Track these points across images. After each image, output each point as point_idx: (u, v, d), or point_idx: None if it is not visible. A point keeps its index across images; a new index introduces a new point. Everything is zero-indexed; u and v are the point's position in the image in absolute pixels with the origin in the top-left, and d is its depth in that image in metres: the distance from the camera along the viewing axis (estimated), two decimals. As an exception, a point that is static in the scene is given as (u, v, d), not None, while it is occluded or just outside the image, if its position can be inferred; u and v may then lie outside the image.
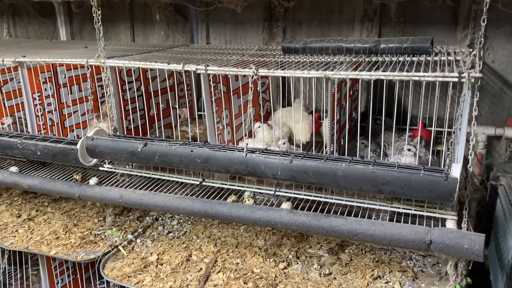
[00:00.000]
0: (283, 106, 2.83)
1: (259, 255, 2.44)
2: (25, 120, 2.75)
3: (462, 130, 1.78)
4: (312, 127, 2.47)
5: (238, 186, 2.35)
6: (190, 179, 2.42)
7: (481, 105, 2.60)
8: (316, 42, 2.38)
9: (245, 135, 2.26)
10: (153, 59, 2.39)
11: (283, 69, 2.08)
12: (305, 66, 2.19)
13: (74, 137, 2.80)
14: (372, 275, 2.22)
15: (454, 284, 1.93)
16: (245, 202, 2.30)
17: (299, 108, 2.49)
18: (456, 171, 1.73)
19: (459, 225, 1.91)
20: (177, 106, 2.74)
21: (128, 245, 2.63)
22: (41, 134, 2.70)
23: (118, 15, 3.67)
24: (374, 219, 2.02)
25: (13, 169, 2.85)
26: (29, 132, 2.70)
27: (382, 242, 1.87)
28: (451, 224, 1.92)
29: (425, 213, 1.99)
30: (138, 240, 2.69)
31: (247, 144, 2.08)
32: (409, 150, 2.13)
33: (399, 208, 2.02)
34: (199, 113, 3.08)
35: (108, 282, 2.40)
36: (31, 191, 2.95)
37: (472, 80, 1.70)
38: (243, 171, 2.06)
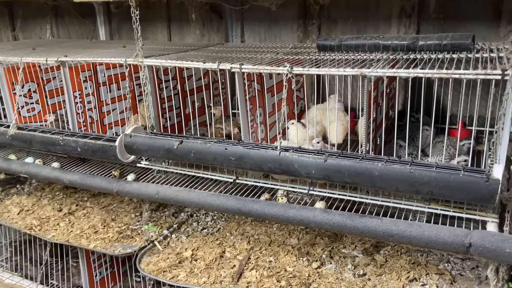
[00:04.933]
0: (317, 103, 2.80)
1: (292, 253, 2.43)
2: (67, 117, 2.85)
3: (505, 129, 1.72)
4: (347, 128, 2.44)
5: (271, 184, 2.35)
6: (224, 177, 2.44)
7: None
8: (352, 40, 2.35)
9: (279, 133, 2.26)
10: (189, 58, 2.42)
11: (318, 67, 2.06)
12: (340, 63, 2.16)
13: (113, 135, 2.88)
14: (408, 277, 2.17)
15: (494, 289, 1.87)
16: (278, 200, 2.30)
17: (334, 107, 2.46)
18: (498, 172, 1.67)
19: (500, 228, 1.85)
20: (212, 104, 2.76)
21: (164, 240, 2.68)
22: (81, 131, 2.79)
23: (155, 15, 3.74)
24: (410, 220, 1.97)
25: (55, 164, 2.97)
26: (70, 129, 2.80)
27: (419, 244, 1.83)
28: (492, 227, 1.85)
29: (464, 215, 1.93)
30: (173, 236, 2.74)
31: (280, 142, 2.08)
32: (465, 161, 2.09)
33: (437, 209, 1.97)
34: (233, 111, 3.10)
35: (143, 276, 2.46)
36: (72, 186, 3.05)
37: (516, 78, 1.63)
38: (277, 170, 2.06)
